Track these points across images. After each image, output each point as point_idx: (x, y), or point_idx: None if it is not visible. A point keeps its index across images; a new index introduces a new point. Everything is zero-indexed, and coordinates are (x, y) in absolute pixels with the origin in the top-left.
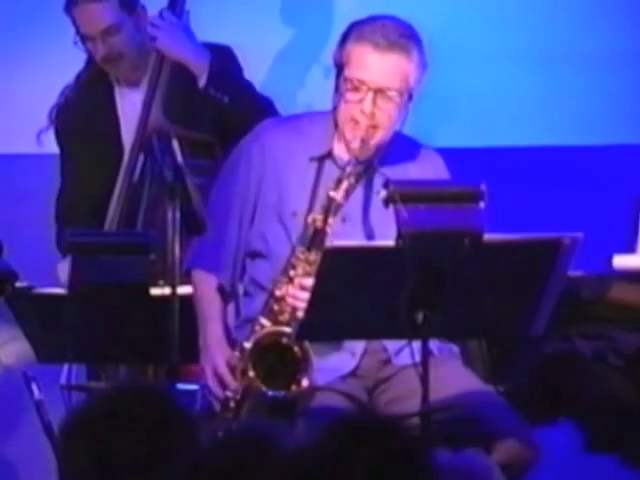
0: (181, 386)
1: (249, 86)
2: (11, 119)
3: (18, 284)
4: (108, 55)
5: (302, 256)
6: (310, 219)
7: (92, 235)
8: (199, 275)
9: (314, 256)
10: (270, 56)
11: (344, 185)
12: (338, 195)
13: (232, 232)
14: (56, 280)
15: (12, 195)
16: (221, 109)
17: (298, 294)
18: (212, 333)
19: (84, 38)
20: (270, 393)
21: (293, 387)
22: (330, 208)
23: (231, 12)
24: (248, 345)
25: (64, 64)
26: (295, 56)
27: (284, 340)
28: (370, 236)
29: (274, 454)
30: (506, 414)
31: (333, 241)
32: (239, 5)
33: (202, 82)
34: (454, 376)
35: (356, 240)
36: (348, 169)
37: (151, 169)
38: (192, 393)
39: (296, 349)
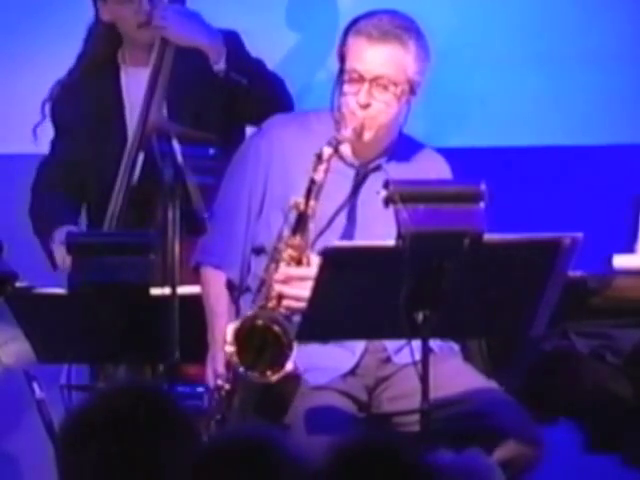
0: (187, 388)
1: (262, 65)
2: (10, 119)
3: (18, 284)
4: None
5: (288, 241)
6: (292, 202)
7: (92, 235)
8: (207, 271)
9: (299, 240)
10: (276, 61)
11: (323, 166)
12: (318, 176)
13: (240, 227)
14: (46, 252)
15: (12, 195)
16: (239, 92)
17: (282, 281)
18: (219, 330)
19: (122, 1)
20: (247, 374)
21: (273, 371)
22: (311, 190)
23: (236, 17)
24: (229, 328)
25: (63, 64)
26: (301, 61)
27: (259, 322)
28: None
29: (274, 456)
30: (509, 409)
31: (336, 240)
32: (244, 9)
33: (220, 66)
34: (456, 372)
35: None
36: (327, 150)
37: (151, 168)
38: (199, 395)
39: (276, 329)
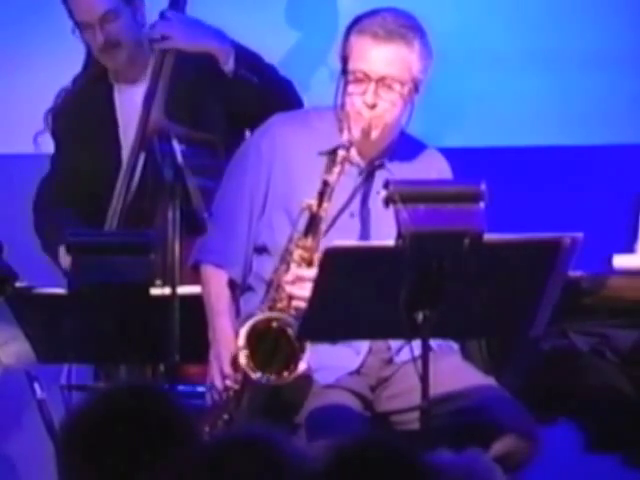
0: (188, 388)
1: (271, 66)
2: (10, 119)
3: (18, 284)
4: (106, 42)
5: (299, 242)
6: (305, 204)
7: (92, 235)
8: (208, 270)
9: (310, 242)
10: (276, 59)
11: (337, 168)
12: (332, 178)
13: (242, 226)
14: (58, 266)
15: (12, 195)
16: (249, 91)
17: (292, 282)
18: (221, 328)
19: (82, 27)
20: (264, 378)
21: (289, 372)
22: (325, 192)
23: (235, 15)
24: (242, 331)
25: (62, 64)
26: (301, 59)
27: (274, 324)
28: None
29: (274, 455)
30: (507, 404)
31: (338, 238)
32: (243, 8)
33: (230, 66)
34: (454, 369)
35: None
36: (341, 152)
37: (151, 169)
38: (200, 394)
39: (290, 332)
